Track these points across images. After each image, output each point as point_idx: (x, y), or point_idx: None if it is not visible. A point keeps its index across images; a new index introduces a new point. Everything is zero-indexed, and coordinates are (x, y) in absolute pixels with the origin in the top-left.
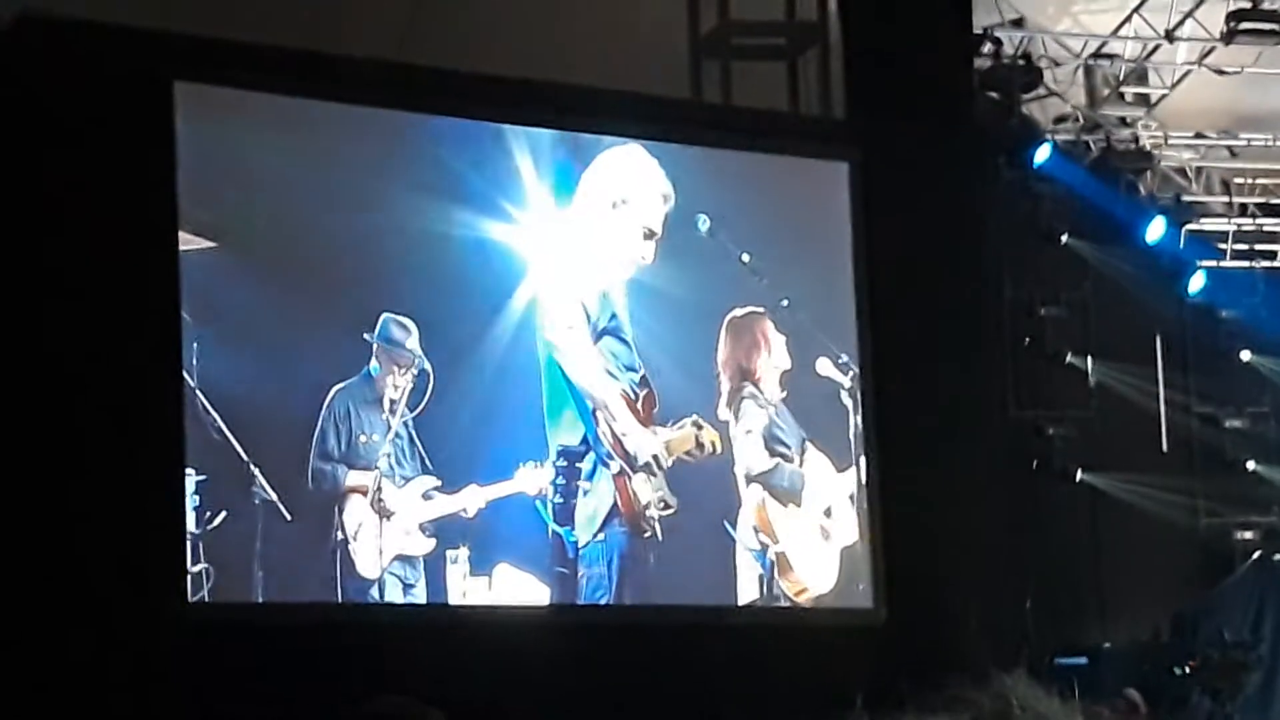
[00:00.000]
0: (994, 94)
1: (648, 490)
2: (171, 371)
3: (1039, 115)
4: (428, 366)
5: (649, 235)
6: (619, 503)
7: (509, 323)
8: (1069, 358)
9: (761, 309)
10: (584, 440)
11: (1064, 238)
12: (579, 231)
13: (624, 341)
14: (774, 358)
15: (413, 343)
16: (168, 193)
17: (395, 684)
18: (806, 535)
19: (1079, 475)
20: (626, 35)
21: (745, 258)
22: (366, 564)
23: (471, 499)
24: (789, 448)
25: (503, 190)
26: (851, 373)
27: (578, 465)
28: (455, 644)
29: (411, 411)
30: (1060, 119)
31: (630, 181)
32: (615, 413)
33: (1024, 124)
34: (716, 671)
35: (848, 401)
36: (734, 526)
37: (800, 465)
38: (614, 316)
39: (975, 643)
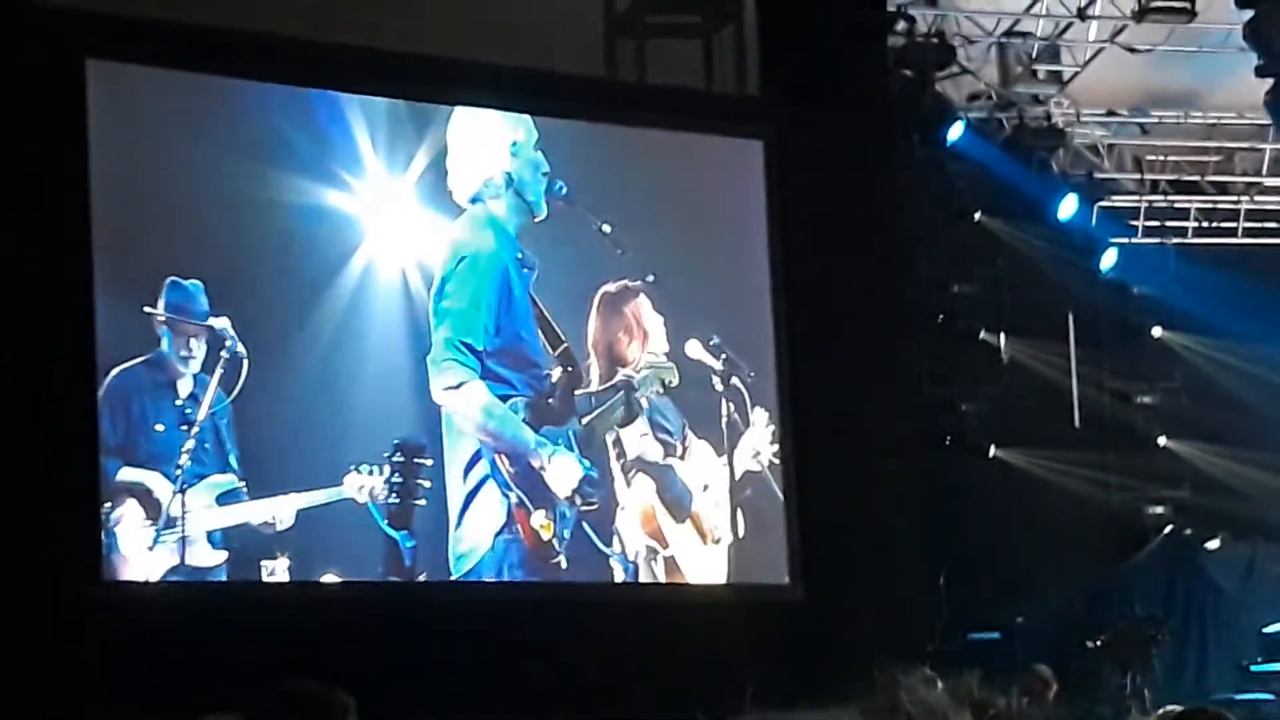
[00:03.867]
0: (907, 72)
1: (542, 517)
2: (85, 355)
3: (952, 93)
4: (242, 349)
5: (532, 210)
6: (522, 534)
7: (339, 305)
8: (982, 334)
9: (637, 282)
10: (489, 473)
11: (977, 215)
12: (457, 220)
13: (522, 338)
14: (651, 342)
15: (205, 307)
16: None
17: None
18: (694, 539)
19: (992, 451)
20: (541, 12)
21: (606, 228)
22: (133, 572)
23: (282, 508)
24: (672, 435)
25: (341, 163)
26: (724, 356)
27: (417, 461)
28: (366, 623)
29: (227, 396)
30: (973, 97)
31: (502, 156)
32: (514, 456)
33: (937, 102)
34: (626, 647)
35: (720, 386)
36: (614, 522)
37: (683, 457)
38: (514, 303)
39: (888, 618)
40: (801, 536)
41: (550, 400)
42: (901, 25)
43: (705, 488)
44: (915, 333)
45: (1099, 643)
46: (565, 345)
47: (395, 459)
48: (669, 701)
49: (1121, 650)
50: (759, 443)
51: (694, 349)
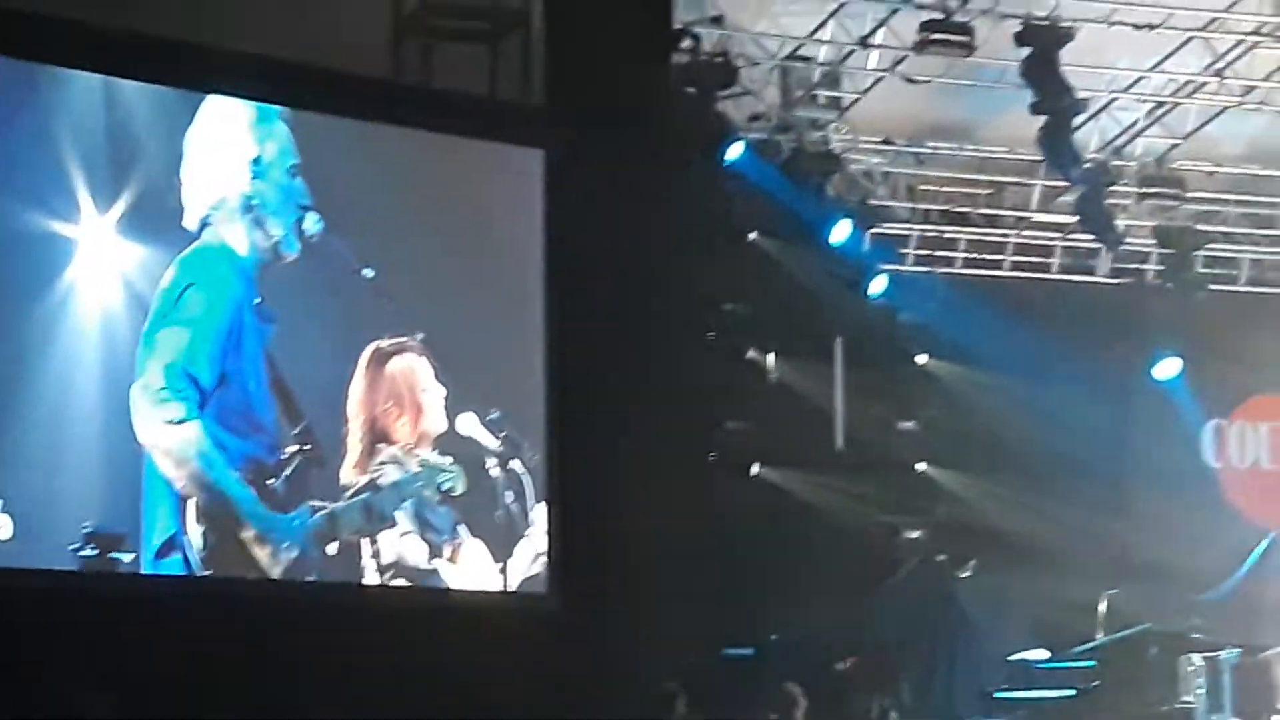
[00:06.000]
0: (690, 90)
1: None
2: None
3: (733, 113)
4: None
5: (278, 248)
6: None
7: (21, 347)
8: (751, 354)
9: (413, 341)
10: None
11: (752, 235)
12: (187, 247)
13: (249, 393)
14: (426, 418)
15: None
16: None
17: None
18: None
19: (756, 470)
20: (327, 10)
21: (368, 273)
22: None
23: None
24: (440, 534)
25: (47, 176)
26: (504, 434)
27: (111, 557)
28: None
29: None
30: (754, 118)
31: (240, 176)
32: (221, 525)
33: (718, 121)
34: (378, 654)
35: (496, 473)
36: None
37: (453, 559)
38: (244, 352)
39: (646, 632)
40: (561, 545)
41: (276, 481)
42: (687, 43)
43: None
44: (684, 350)
45: (848, 664)
46: (305, 421)
47: (85, 553)
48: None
49: (870, 673)
50: (542, 545)
51: (468, 424)
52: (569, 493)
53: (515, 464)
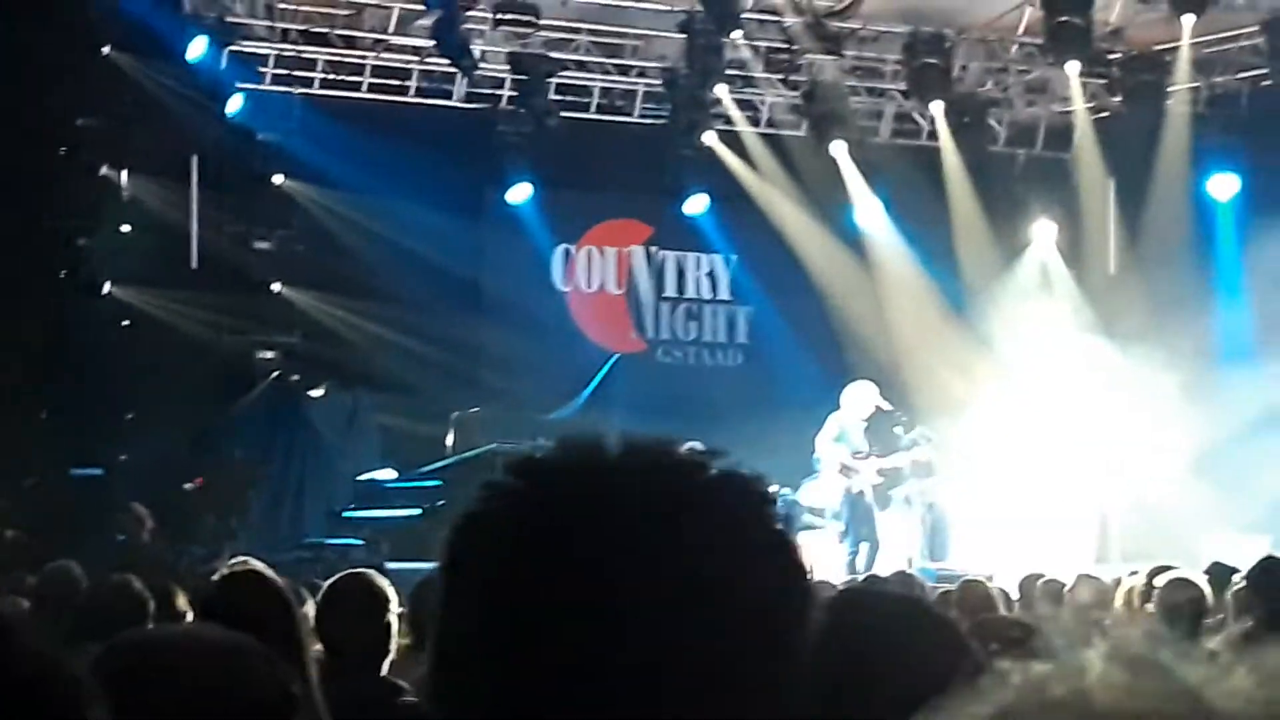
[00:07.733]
0: None
1: None
2: None
3: None
4: None
5: None
6: None
7: None
8: (104, 170)
9: None
10: None
11: (106, 50)
12: None
13: None
14: None
15: None
16: None
17: None
18: None
19: (107, 288)
20: None
21: None
22: None
23: None
24: None
25: None
26: None
27: None
28: None
29: None
30: None
31: None
32: None
33: None
34: None
35: None
36: None
37: None
38: None
39: None
40: None
41: None
42: None
43: None
44: (37, 167)
45: (197, 484)
46: None
47: None
48: None
49: (218, 492)
50: None
51: None
52: None
53: None
